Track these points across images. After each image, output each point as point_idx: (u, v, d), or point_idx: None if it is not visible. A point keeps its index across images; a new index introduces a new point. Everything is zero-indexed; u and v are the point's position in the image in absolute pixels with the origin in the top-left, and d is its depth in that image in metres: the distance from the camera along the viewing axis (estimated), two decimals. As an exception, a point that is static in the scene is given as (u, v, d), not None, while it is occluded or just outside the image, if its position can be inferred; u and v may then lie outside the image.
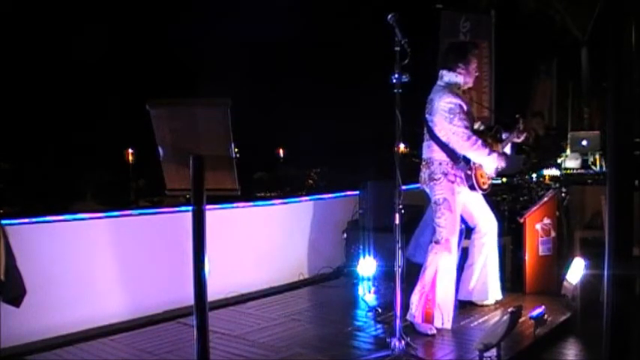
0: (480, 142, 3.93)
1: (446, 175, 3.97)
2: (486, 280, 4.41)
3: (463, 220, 4.27)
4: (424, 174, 4.07)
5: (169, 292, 4.44)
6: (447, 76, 4.06)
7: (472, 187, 4.03)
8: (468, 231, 4.37)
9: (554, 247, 4.89)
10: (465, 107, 3.95)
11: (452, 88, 4.01)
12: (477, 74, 4.21)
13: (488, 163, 4.03)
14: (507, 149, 4.46)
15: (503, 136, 4.37)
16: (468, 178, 3.98)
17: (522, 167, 6.35)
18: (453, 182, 3.97)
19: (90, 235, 4.20)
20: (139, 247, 4.45)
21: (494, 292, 4.46)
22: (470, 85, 4.19)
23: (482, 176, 4.09)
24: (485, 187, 4.14)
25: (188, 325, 3.94)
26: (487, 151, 3.96)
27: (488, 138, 4.19)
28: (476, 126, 4.24)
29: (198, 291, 2.48)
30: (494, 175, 4.26)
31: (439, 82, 4.08)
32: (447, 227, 3.95)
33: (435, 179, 3.99)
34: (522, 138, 4.45)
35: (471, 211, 4.29)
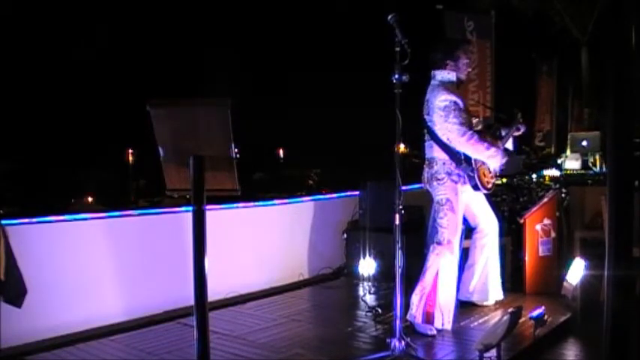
0: (476, 137, 3.91)
1: (449, 174, 3.96)
2: (487, 280, 4.41)
3: (464, 220, 4.26)
4: (427, 174, 4.07)
5: (169, 292, 4.44)
6: (440, 75, 4.06)
7: (476, 187, 4.02)
8: (468, 231, 4.37)
9: (554, 247, 4.88)
10: (460, 104, 3.93)
11: (446, 86, 4.00)
12: (469, 69, 4.19)
13: (489, 158, 4.01)
14: (509, 145, 4.46)
15: (503, 132, 4.37)
16: (471, 178, 3.97)
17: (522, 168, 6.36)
18: (456, 182, 3.96)
19: (90, 235, 4.20)
20: (139, 247, 4.45)
21: (494, 293, 4.46)
22: (463, 79, 4.18)
23: (485, 175, 4.07)
24: (489, 186, 4.13)
25: (188, 325, 3.94)
26: (485, 145, 3.94)
27: (488, 137, 4.19)
28: (474, 121, 4.22)
29: (198, 291, 2.48)
30: (498, 173, 4.25)
31: (433, 82, 4.07)
32: (449, 228, 3.94)
33: (439, 179, 3.98)
34: (522, 131, 4.46)
35: (473, 211, 4.29)
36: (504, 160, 4.06)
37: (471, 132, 3.91)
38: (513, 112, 4.45)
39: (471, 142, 3.89)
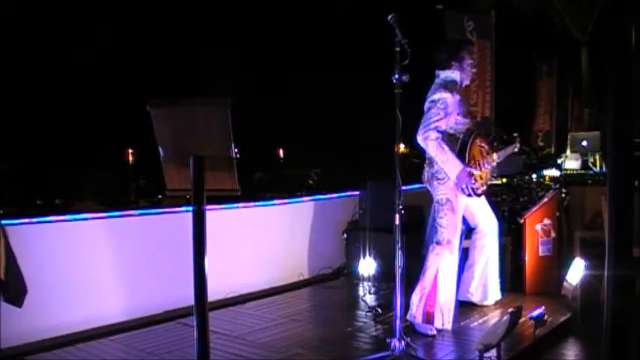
0: (436, 141, 3.80)
1: None
2: (486, 281, 4.41)
3: (464, 221, 4.26)
4: (427, 173, 4.05)
5: (169, 293, 4.44)
6: (444, 74, 4.05)
7: (469, 195, 4.00)
8: (468, 231, 4.37)
9: (554, 247, 4.89)
10: (450, 102, 3.88)
11: (447, 84, 3.99)
12: (473, 70, 4.17)
13: (442, 164, 3.88)
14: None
15: (501, 153, 4.34)
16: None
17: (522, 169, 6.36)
18: None
19: (90, 235, 4.20)
20: (139, 247, 4.45)
21: (494, 293, 4.46)
22: (467, 82, 4.18)
23: (475, 181, 4.02)
24: (479, 192, 4.10)
25: (188, 325, 3.94)
26: (442, 150, 3.82)
27: (486, 144, 4.18)
28: (465, 121, 4.13)
29: (198, 291, 2.48)
30: (495, 174, 4.24)
31: (437, 80, 4.06)
32: (448, 227, 3.94)
33: (439, 179, 3.96)
34: (516, 150, 4.53)
35: (473, 212, 4.28)
36: (457, 174, 3.87)
37: (432, 131, 3.81)
38: (513, 136, 4.52)
39: (426, 139, 3.82)
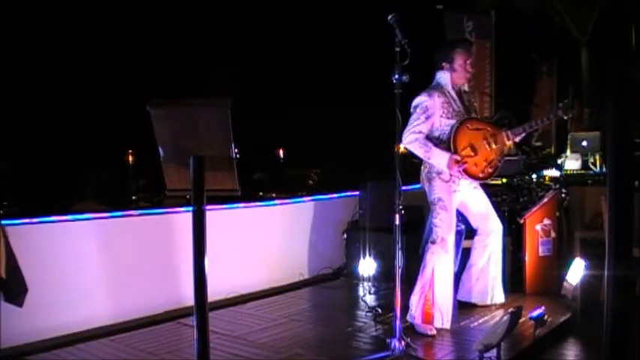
0: (416, 141, 3.88)
1: (439, 174, 3.97)
2: (487, 281, 4.39)
3: (466, 221, 4.26)
4: (423, 173, 4.10)
5: (170, 293, 4.44)
6: (438, 75, 4.10)
7: (466, 178, 4.01)
8: (469, 231, 4.37)
9: (554, 247, 4.88)
10: (431, 105, 3.91)
11: (437, 87, 4.03)
12: (469, 70, 4.11)
13: (428, 160, 3.94)
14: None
15: (520, 128, 4.25)
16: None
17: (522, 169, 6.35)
18: (447, 181, 3.97)
19: (90, 235, 4.20)
20: (140, 247, 4.45)
21: (495, 294, 4.42)
22: (463, 82, 4.17)
23: (476, 165, 4.01)
24: (482, 175, 4.05)
25: (188, 325, 3.95)
26: (423, 149, 3.89)
27: (488, 126, 4.17)
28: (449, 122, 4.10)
29: (198, 291, 2.48)
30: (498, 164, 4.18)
31: (433, 83, 4.10)
32: (442, 226, 3.95)
33: (430, 179, 4.02)
34: (559, 114, 4.31)
35: (473, 212, 4.27)
36: (446, 164, 3.89)
37: (411, 134, 3.90)
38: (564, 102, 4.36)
39: (408, 143, 3.91)
